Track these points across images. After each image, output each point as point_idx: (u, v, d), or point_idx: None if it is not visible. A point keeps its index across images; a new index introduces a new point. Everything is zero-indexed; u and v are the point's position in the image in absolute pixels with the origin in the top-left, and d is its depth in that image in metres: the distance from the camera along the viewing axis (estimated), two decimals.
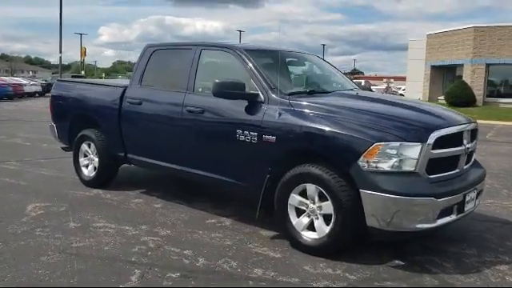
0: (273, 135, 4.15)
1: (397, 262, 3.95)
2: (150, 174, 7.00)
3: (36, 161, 8.04)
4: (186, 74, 5.04)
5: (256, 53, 4.81)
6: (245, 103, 4.43)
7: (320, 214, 3.98)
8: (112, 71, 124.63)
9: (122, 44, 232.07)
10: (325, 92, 4.77)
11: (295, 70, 5.24)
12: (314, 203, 4.01)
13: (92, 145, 6.12)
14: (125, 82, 6.39)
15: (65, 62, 39.37)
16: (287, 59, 5.27)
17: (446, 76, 29.48)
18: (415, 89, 29.34)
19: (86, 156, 6.30)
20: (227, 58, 4.88)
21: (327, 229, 3.91)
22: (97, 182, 6.11)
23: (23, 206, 5.25)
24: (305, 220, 4.08)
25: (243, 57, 4.66)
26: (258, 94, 4.38)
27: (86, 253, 3.97)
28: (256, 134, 4.27)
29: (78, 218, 4.90)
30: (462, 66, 26.09)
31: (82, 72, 52.96)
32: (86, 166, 6.29)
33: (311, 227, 4.06)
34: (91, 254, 3.96)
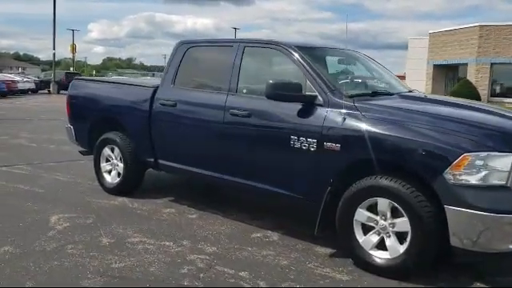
0: (337, 143, 3.73)
1: (478, 284, 3.56)
2: (174, 179, 6.55)
3: (47, 164, 7.54)
4: (228, 74, 4.60)
5: (308, 50, 4.38)
6: (298, 106, 4.00)
7: (393, 231, 3.57)
8: (102, 68, 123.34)
9: (111, 41, 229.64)
10: (388, 94, 4.36)
11: (349, 69, 4.80)
12: (385, 219, 3.59)
13: (116, 149, 5.66)
14: (154, 80, 5.94)
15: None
16: (338, 57, 4.85)
17: (447, 75, 29.24)
18: (416, 88, 28.90)
19: (108, 161, 5.83)
20: (275, 55, 4.46)
21: (402, 248, 3.51)
22: (121, 190, 5.65)
23: (46, 218, 4.78)
24: (374, 238, 3.67)
25: (295, 54, 4.23)
26: (316, 96, 3.96)
27: (130, 275, 3.52)
28: (315, 140, 3.84)
29: (110, 231, 4.45)
30: (465, 65, 25.88)
31: (71, 69, 52.07)
32: (109, 172, 5.82)
33: (381, 246, 3.65)
34: (137, 276, 3.51)
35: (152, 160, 5.31)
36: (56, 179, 6.49)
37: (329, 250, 4.11)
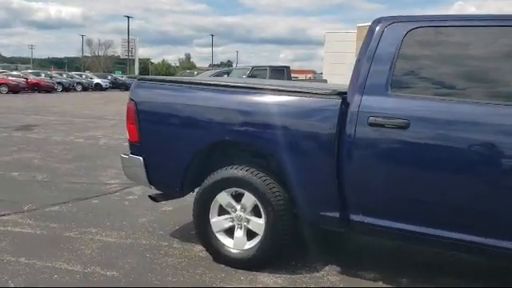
0: None
1: None
2: None
3: (49, 210, 4.86)
4: None
5: None
6: None
7: None
8: None
9: None
10: None
11: None
12: None
13: (248, 195, 3.43)
14: (322, 85, 3.77)
15: None
16: None
17: None
18: (338, 81, 28.72)
19: (224, 213, 3.58)
20: None
21: None
22: (258, 260, 3.46)
23: None
24: None
25: None
26: None
27: None
28: None
29: None
30: None
31: None
32: (229, 232, 3.58)
33: None
34: None
35: (335, 215, 3.21)
36: (104, 242, 3.99)
37: None
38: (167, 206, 4.91)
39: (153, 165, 3.75)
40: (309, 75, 42.66)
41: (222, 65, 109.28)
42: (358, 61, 3.21)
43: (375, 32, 3.16)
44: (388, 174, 3.02)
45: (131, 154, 3.87)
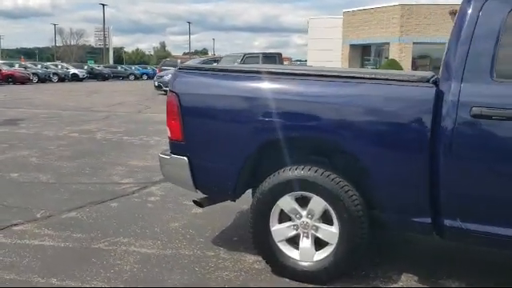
0: None
1: None
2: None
3: (66, 217, 4.33)
4: None
5: None
6: None
7: None
8: None
9: None
10: None
11: None
12: None
13: (317, 199, 2.99)
14: (400, 72, 3.33)
15: None
16: None
17: (363, 55, 29.05)
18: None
19: (286, 220, 3.14)
20: None
21: None
22: (333, 273, 3.04)
23: None
24: None
25: None
26: None
27: None
28: None
29: None
30: (387, 44, 25.77)
31: None
32: (291, 241, 3.14)
33: None
34: None
35: (427, 220, 2.80)
36: (141, 254, 3.51)
37: None
38: (197, 207, 4.41)
39: (200, 166, 3.27)
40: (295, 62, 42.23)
41: (196, 53, 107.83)
42: (450, 47, 2.78)
43: (468, 14, 2.72)
44: (497, 173, 2.62)
45: (173, 153, 3.38)
